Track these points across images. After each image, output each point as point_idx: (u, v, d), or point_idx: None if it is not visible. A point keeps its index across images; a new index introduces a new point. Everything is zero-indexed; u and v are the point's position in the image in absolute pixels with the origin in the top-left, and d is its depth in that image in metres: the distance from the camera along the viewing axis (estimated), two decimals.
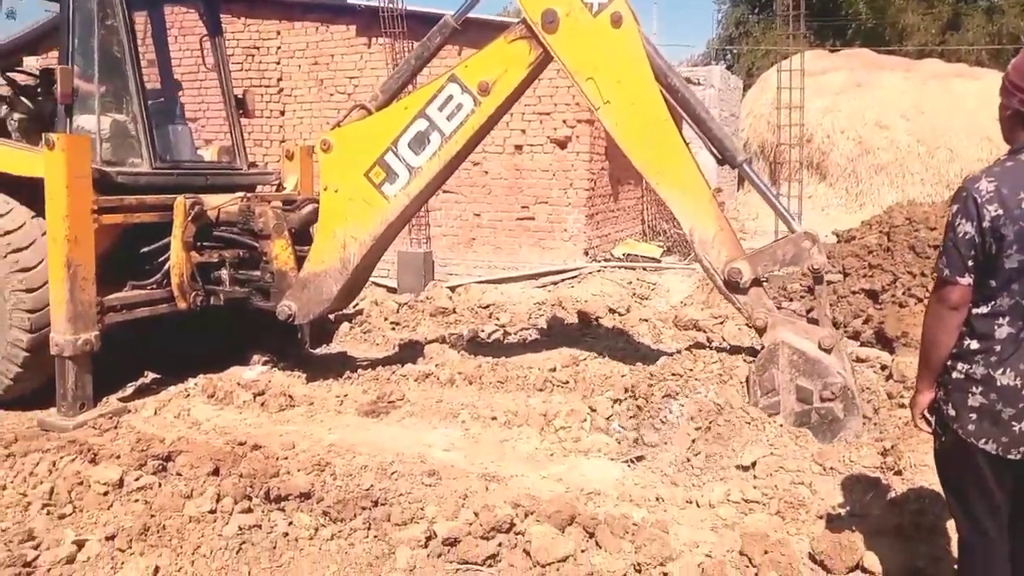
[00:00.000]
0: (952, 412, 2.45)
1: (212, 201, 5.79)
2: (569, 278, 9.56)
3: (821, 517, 3.59)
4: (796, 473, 3.97)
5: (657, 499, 3.87)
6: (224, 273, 5.82)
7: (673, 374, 4.76)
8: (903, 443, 4.17)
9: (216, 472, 3.99)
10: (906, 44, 26.88)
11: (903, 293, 6.50)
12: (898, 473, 3.88)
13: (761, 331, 4.64)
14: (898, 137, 18.88)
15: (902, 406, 4.78)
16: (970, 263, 2.34)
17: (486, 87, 5.06)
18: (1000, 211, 2.26)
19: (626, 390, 5.01)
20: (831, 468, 4.06)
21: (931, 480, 3.73)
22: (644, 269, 10.12)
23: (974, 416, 2.40)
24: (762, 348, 4.62)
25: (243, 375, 5.80)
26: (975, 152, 17.91)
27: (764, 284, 4.85)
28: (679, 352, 5.22)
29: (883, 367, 5.51)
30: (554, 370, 5.89)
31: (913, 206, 7.62)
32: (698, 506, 3.79)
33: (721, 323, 6.89)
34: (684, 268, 10.13)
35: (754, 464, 4.07)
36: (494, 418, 5.01)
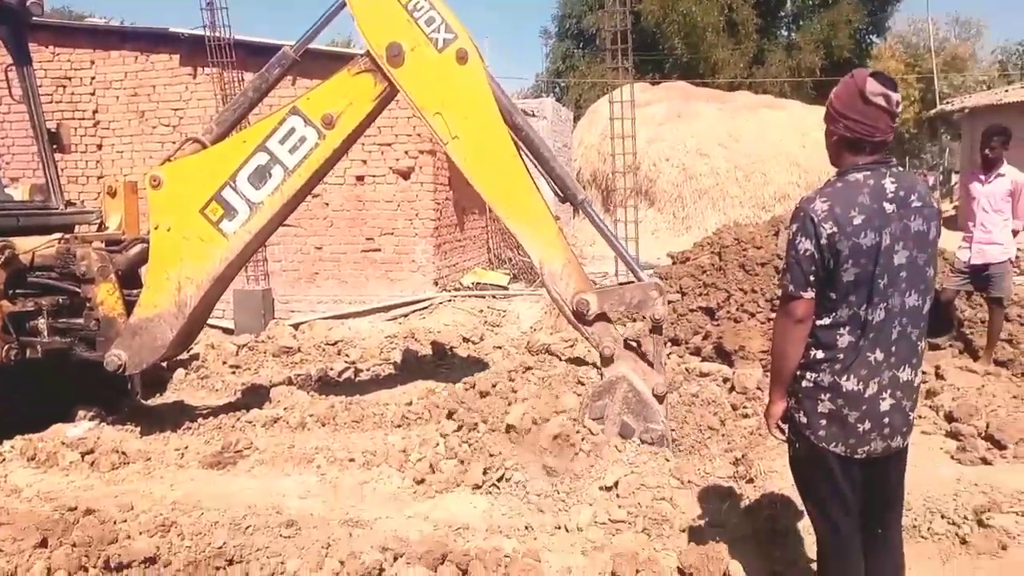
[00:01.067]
0: (804, 419, 2.59)
1: (25, 244, 5.27)
2: (419, 309, 9.47)
3: (684, 531, 3.70)
4: (657, 489, 4.07)
5: (526, 527, 3.84)
6: (41, 322, 5.28)
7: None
8: (752, 452, 4.39)
9: (44, 544, 3.56)
10: (718, 77, 28.97)
11: (737, 309, 6.89)
12: (750, 481, 4.07)
13: (606, 361, 4.75)
14: (717, 163, 20.24)
15: (746, 416, 5.05)
16: (811, 278, 2.49)
17: (331, 120, 4.94)
18: (835, 228, 2.42)
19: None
20: (689, 481, 4.21)
21: (780, 485, 3.95)
22: (493, 297, 10.19)
23: (824, 422, 2.54)
24: (601, 375, 4.75)
25: (67, 433, 5.25)
26: (785, 176, 19.53)
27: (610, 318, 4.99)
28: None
29: (725, 380, 5.80)
30: (410, 404, 5.77)
31: (740, 227, 8.13)
32: (567, 531, 3.79)
33: (571, 346, 7.02)
34: (532, 294, 10.29)
35: (616, 484, 4.14)
36: (352, 460, 4.82)
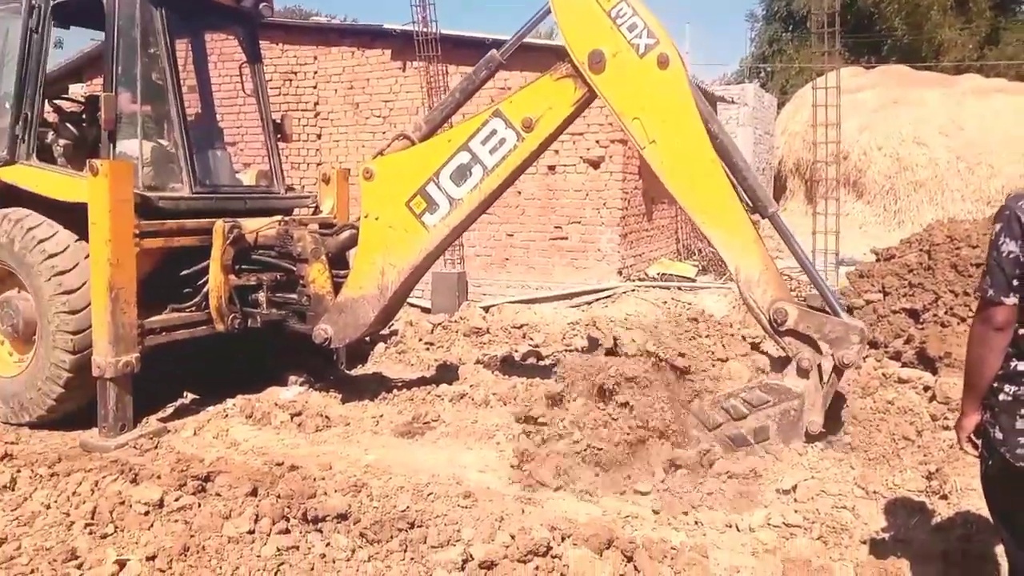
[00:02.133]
0: (999, 435, 2.40)
1: (250, 225, 5.87)
2: (603, 298, 9.53)
3: (864, 542, 3.52)
4: (838, 497, 3.91)
5: (696, 523, 3.82)
6: (261, 296, 5.88)
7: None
8: (948, 466, 4.08)
9: (254, 493, 4.02)
10: (943, 60, 26.55)
11: (945, 312, 6.37)
12: (944, 497, 3.79)
13: (801, 372, 4.53)
14: (937, 154, 18.60)
15: (946, 428, 4.68)
16: (1015, 282, 2.30)
17: (530, 123, 5.09)
18: None
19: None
20: (874, 492, 3.99)
21: (978, 504, 3.64)
22: (679, 288, 10.05)
23: (1023, 439, 2.34)
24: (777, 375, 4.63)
25: (280, 395, 5.84)
26: (1016, 168, 17.60)
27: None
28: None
29: (926, 388, 5.39)
30: None
31: (954, 224, 7.46)
32: (738, 530, 3.73)
33: (759, 342, 6.81)
34: (720, 288, 10.04)
35: (795, 487, 4.01)
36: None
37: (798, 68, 29.75)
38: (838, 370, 4.50)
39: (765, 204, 4.98)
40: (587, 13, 4.88)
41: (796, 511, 3.81)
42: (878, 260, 7.81)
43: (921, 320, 6.56)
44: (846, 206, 16.17)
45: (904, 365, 6.17)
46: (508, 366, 6.85)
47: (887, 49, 29.47)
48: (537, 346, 7.60)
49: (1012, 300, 2.31)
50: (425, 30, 10.01)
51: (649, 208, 11.02)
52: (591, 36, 4.87)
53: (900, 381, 5.61)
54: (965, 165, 18.23)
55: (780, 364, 4.69)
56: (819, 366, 4.48)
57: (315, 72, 11.28)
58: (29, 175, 5.66)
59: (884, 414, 4.98)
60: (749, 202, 4.96)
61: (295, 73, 11.36)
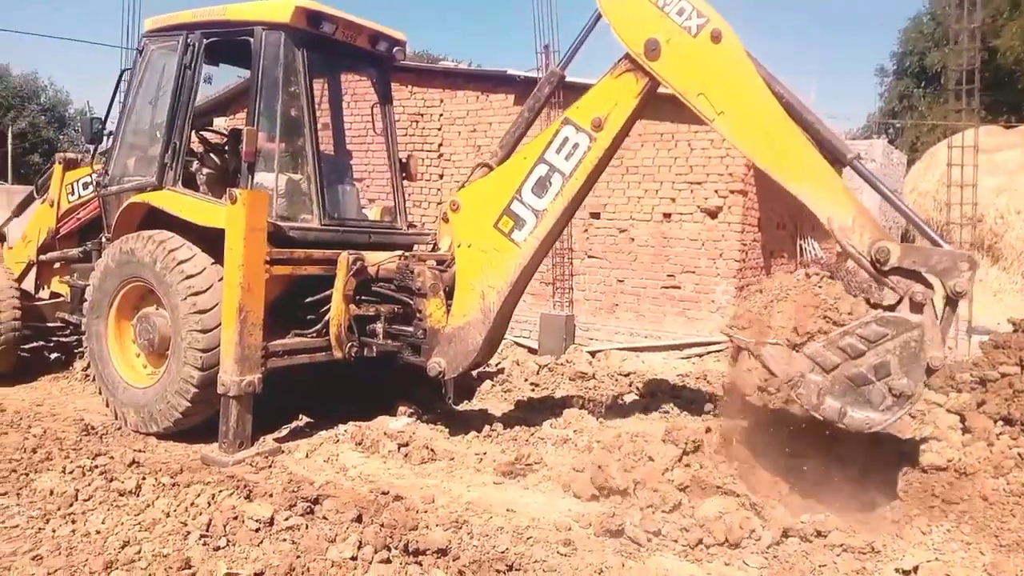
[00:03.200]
0: None
1: (372, 258, 6.09)
2: (716, 351, 9.30)
3: None
4: None
5: None
6: (379, 327, 6.07)
7: None
8: None
9: (359, 519, 4.11)
10: None
11: None
12: None
13: (914, 306, 4.36)
14: None
15: None
16: None
17: (599, 123, 5.33)
18: None
19: None
20: None
21: None
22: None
23: None
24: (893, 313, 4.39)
25: (389, 425, 5.97)
26: None
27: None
28: None
29: None
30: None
31: None
32: None
33: None
34: None
35: (916, 569, 3.76)
36: None
37: (930, 125, 28.56)
38: (952, 301, 4.39)
39: (844, 152, 4.98)
40: (635, 6, 5.16)
41: None
42: (1015, 331, 7.31)
43: None
44: (980, 271, 15.27)
45: None
46: (613, 413, 6.77)
47: None
48: (644, 395, 7.47)
49: None
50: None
51: (768, 261, 10.74)
52: (643, 27, 5.12)
53: None
54: None
55: (891, 311, 4.45)
56: (932, 300, 4.34)
57: (441, 114, 11.65)
58: (174, 200, 6.08)
59: (1020, 497, 4.60)
60: (829, 154, 4.98)
61: (422, 115, 11.77)
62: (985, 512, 4.44)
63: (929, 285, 4.39)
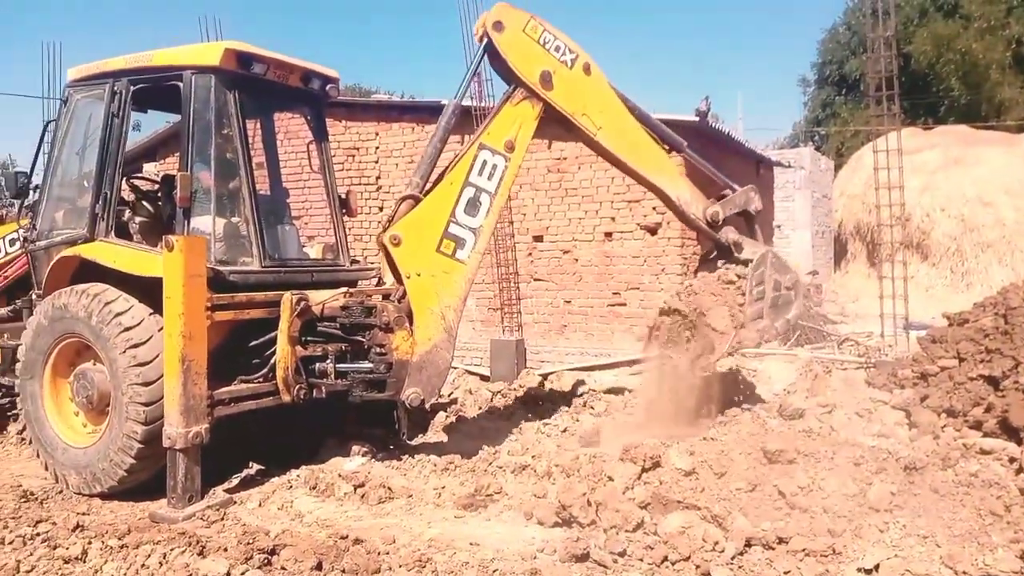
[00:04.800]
0: None
1: (316, 297, 5.99)
2: None
3: None
4: None
5: None
6: (327, 366, 5.95)
7: None
8: None
9: (319, 567, 4.00)
10: (1004, 118, 26.09)
11: None
12: None
13: (737, 247, 6.35)
14: (1004, 213, 18.18)
15: None
16: None
17: (511, 144, 6.07)
18: None
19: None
20: (963, 572, 3.77)
21: None
22: (743, 355, 9.85)
23: None
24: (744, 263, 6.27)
25: (343, 466, 5.84)
26: None
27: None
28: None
29: (1011, 459, 5.12)
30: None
31: None
32: None
33: (829, 412, 6.60)
34: (786, 354, 9.82)
35: (877, 567, 3.83)
36: None
37: (854, 131, 29.57)
38: (751, 218, 6.60)
39: (679, 142, 6.57)
40: (525, 45, 6.04)
41: None
42: (951, 325, 7.56)
43: (1001, 387, 6.26)
44: (911, 269, 15.80)
45: (986, 435, 5.88)
46: (570, 435, 6.76)
47: (944, 110, 29.14)
48: (599, 415, 7.49)
49: None
50: (482, 104, 10.26)
51: None
52: (535, 62, 6.05)
53: (982, 452, 5.35)
54: None
55: (727, 251, 6.39)
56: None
57: (377, 147, 11.62)
58: (108, 251, 5.91)
59: (968, 487, 4.73)
60: (663, 140, 6.49)
61: (358, 149, 11.72)
62: (937, 505, 4.55)
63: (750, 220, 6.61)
